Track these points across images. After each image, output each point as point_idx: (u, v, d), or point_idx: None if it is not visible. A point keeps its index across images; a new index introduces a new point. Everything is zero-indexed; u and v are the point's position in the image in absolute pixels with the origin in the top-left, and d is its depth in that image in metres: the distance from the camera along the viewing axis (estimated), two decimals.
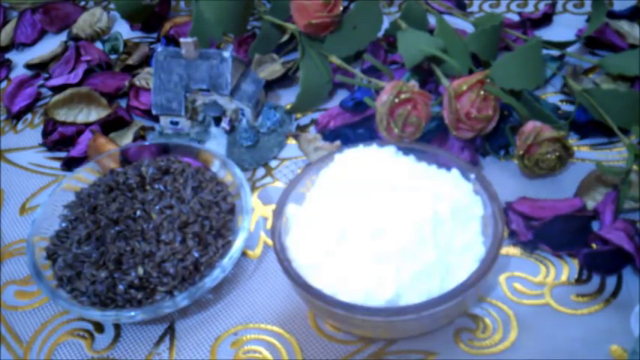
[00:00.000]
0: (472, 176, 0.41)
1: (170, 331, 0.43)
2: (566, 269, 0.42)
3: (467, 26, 0.60)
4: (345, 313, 0.35)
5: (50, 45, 0.71)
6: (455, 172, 0.41)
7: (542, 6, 0.64)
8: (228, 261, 0.43)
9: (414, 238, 0.36)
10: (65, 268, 0.44)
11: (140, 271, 0.43)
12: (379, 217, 0.37)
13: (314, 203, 0.41)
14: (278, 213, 0.41)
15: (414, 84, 0.46)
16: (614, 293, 0.41)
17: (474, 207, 0.39)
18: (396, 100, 0.45)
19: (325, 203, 0.40)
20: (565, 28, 0.61)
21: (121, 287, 0.42)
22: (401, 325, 0.37)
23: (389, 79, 0.50)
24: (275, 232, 0.40)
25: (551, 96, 0.55)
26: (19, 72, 0.69)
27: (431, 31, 0.55)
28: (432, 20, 0.58)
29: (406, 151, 0.43)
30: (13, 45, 0.74)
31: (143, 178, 0.49)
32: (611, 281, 0.41)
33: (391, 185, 0.38)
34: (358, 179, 0.40)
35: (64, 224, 0.47)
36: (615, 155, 0.49)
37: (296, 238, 0.40)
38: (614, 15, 0.60)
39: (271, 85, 0.60)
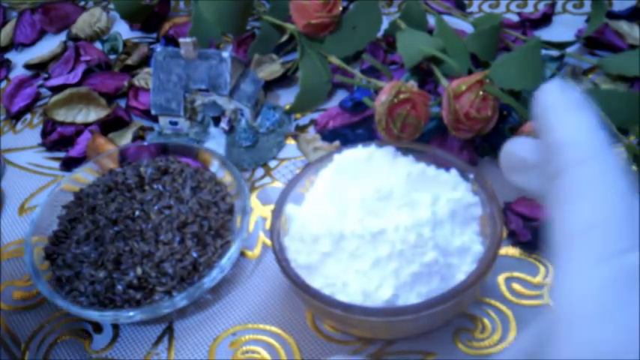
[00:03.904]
0: (471, 176, 0.41)
1: (169, 331, 0.43)
2: None
3: (466, 26, 0.60)
4: (344, 313, 0.35)
5: (49, 45, 0.71)
6: (454, 173, 0.41)
7: (541, 6, 0.64)
8: (226, 261, 0.43)
9: (413, 238, 0.36)
10: (64, 268, 0.44)
11: (139, 271, 0.42)
12: (378, 218, 0.37)
13: (312, 203, 0.41)
14: (277, 213, 0.41)
15: (412, 84, 0.46)
16: None
17: (472, 207, 0.39)
18: (395, 101, 0.45)
19: (324, 203, 0.40)
20: (564, 28, 0.61)
21: (119, 287, 0.42)
22: (399, 326, 0.37)
23: (388, 80, 0.50)
24: (274, 233, 0.40)
25: None
26: (18, 72, 0.69)
27: (430, 32, 0.55)
28: (431, 20, 0.58)
29: (405, 151, 0.43)
30: (13, 45, 0.73)
31: (142, 178, 0.49)
32: None
33: (390, 185, 0.38)
34: (357, 179, 0.40)
35: (62, 224, 0.47)
36: None
37: (295, 238, 0.40)
38: (613, 15, 0.60)
39: (270, 86, 0.60)
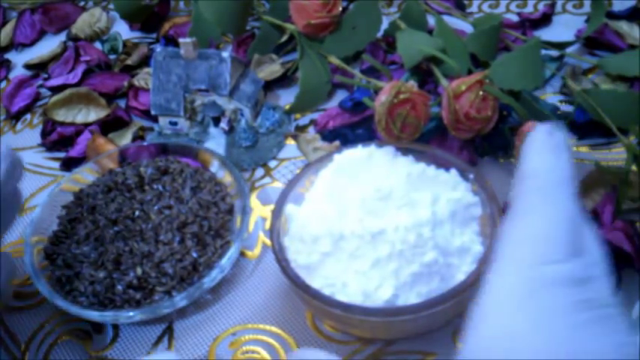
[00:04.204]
0: (471, 176, 0.41)
1: (169, 332, 0.43)
2: None
3: (466, 27, 0.60)
4: (344, 313, 0.35)
5: (49, 45, 0.71)
6: (453, 173, 0.41)
7: (541, 6, 0.64)
8: (226, 261, 0.43)
9: (413, 238, 0.36)
10: (64, 268, 0.44)
11: (139, 271, 0.42)
12: (377, 218, 0.37)
13: (312, 203, 0.41)
14: (277, 213, 0.41)
15: (412, 84, 0.46)
16: None
17: (472, 207, 0.39)
18: (395, 101, 0.45)
19: (324, 203, 0.40)
20: (564, 28, 0.61)
21: (119, 287, 0.42)
22: (399, 326, 0.37)
23: (388, 80, 0.50)
24: (273, 233, 0.40)
25: (551, 96, 0.55)
26: (18, 72, 0.69)
27: (430, 32, 0.55)
28: (431, 21, 0.58)
29: (405, 151, 0.43)
30: (13, 45, 0.73)
31: (142, 178, 0.48)
32: None
33: (390, 185, 0.38)
34: (357, 179, 0.40)
35: (62, 224, 0.47)
36: (614, 155, 0.49)
37: (294, 238, 0.40)
38: (613, 15, 0.60)
39: (270, 86, 0.60)
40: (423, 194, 0.38)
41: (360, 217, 0.37)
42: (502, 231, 0.29)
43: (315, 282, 0.37)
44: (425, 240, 0.36)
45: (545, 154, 0.29)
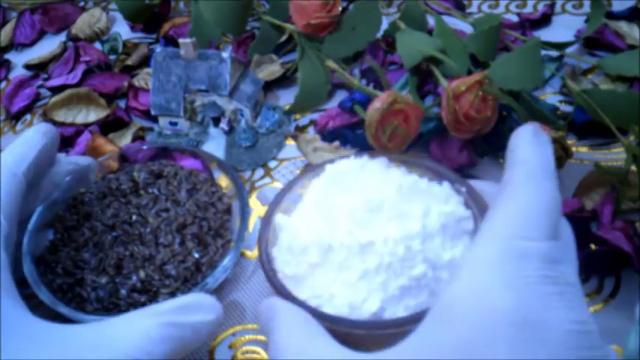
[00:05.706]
0: (463, 190, 0.40)
1: None
2: None
3: (466, 27, 0.60)
4: (329, 325, 0.34)
5: (49, 45, 0.71)
6: (446, 186, 0.40)
7: (541, 7, 0.65)
8: (228, 261, 0.42)
9: (402, 251, 0.35)
10: (64, 276, 0.43)
11: (142, 274, 0.42)
12: (367, 229, 0.36)
13: (302, 213, 0.40)
14: (266, 223, 0.40)
15: (409, 97, 0.46)
16: (613, 294, 0.41)
17: (464, 221, 0.38)
18: (389, 110, 0.45)
19: (314, 214, 0.39)
20: (564, 28, 0.61)
21: (123, 292, 0.42)
22: (385, 339, 0.36)
23: (385, 88, 0.50)
24: (262, 242, 0.39)
25: (550, 97, 0.55)
26: (18, 72, 0.69)
27: (430, 32, 0.55)
28: (430, 21, 0.58)
29: (398, 162, 0.42)
30: (13, 45, 0.74)
31: (136, 183, 0.48)
32: (609, 282, 0.41)
33: (381, 197, 0.37)
34: (348, 190, 0.39)
35: (58, 233, 0.46)
36: (614, 156, 0.49)
37: (283, 248, 0.39)
38: (612, 16, 0.60)
39: (270, 86, 0.60)
40: (414, 206, 0.37)
41: (350, 228, 0.36)
42: (490, 207, 0.31)
43: (303, 293, 0.36)
44: (414, 253, 0.35)
45: (535, 146, 0.33)
